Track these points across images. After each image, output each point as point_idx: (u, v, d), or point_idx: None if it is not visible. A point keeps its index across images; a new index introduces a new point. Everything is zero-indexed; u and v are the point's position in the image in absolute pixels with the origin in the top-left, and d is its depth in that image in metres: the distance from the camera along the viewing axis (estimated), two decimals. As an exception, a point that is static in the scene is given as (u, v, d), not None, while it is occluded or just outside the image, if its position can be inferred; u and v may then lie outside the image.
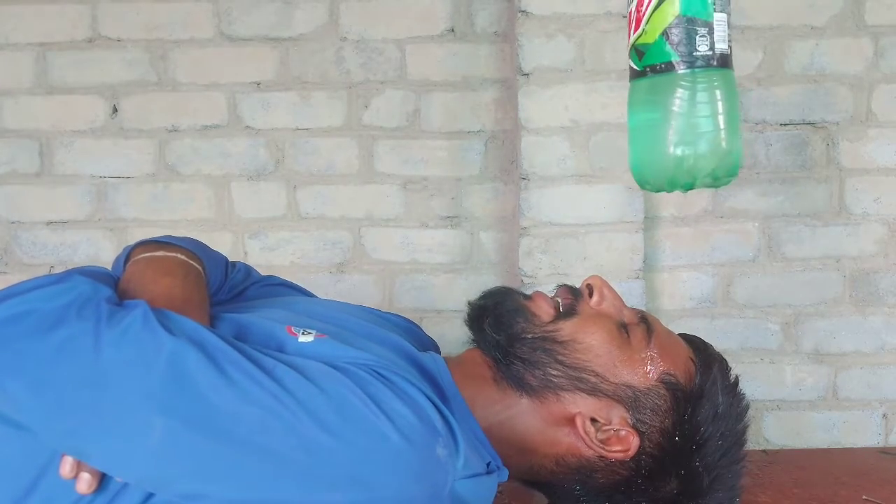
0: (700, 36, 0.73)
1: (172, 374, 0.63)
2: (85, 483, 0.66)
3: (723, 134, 0.74)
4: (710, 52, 0.73)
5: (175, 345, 0.64)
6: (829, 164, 1.67)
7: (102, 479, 0.67)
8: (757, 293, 1.67)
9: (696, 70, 0.74)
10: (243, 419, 0.63)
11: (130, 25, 1.69)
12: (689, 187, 0.77)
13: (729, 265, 1.67)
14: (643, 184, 0.80)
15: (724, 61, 0.75)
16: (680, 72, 0.74)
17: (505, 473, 0.80)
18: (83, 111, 1.70)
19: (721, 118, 0.74)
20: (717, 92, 0.74)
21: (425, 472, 0.67)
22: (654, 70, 0.75)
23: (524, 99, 1.53)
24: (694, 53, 0.73)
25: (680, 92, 0.74)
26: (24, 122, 1.70)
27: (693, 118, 0.74)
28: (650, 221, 1.64)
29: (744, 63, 1.65)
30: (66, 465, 0.66)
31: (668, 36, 0.74)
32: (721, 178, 0.76)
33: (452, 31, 1.69)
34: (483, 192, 1.70)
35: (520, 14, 1.52)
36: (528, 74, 1.52)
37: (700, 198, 1.66)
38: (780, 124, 1.66)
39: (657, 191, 0.79)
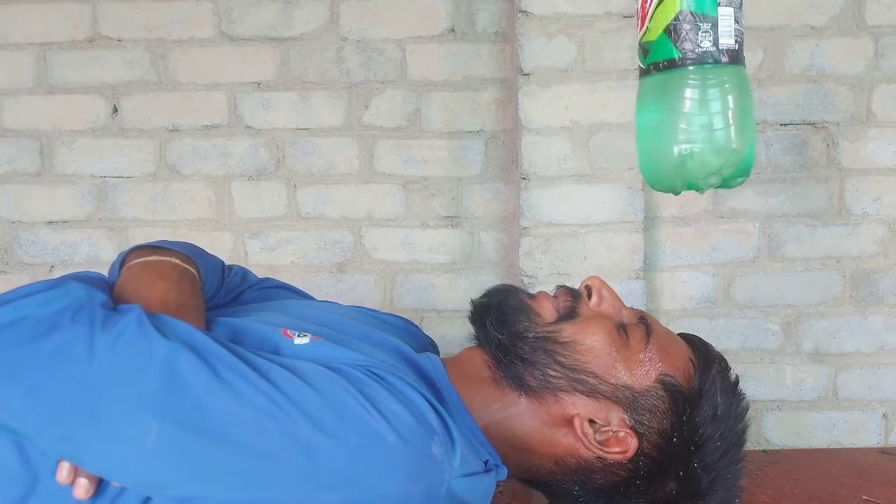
0: (703, 31, 0.71)
1: (167, 377, 0.63)
2: (82, 489, 0.66)
3: (729, 132, 0.72)
4: (714, 48, 0.72)
5: (169, 348, 0.64)
6: (829, 164, 1.66)
7: (100, 485, 0.67)
8: (757, 293, 1.67)
9: (700, 67, 0.72)
10: (239, 421, 0.63)
11: (130, 25, 1.69)
12: (695, 188, 0.75)
13: (729, 265, 1.67)
14: (654, 184, 0.79)
15: (732, 57, 0.73)
16: (682, 69, 0.72)
17: (504, 472, 0.80)
18: (83, 111, 1.70)
19: (725, 116, 0.72)
20: (722, 89, 0.72)
21: (421, 470, 0.67)
22: (658, 68, 0.74)
23: (524, 99, 1.53)
24: (697, 50, 0.72)
25: (682, 89, 0.73)
26: (24, 122, 1.70)
27: (696, 116, 0.72)
28: (650, 221, 1.64)
29: (744, 63, 1.65)
30: (63, 471, 0.66)
31: (670, 32, 0.72)
32: (731, 177, 0.74)
33: (453, 31, 1.69)
34: (483, 192, 1.70)
35: (520, 14, 1.52)
36: (528, 74, 1.52)
37: (700, 198, 1.66)
38: (781, 124, 1.66)
39: (668, 191, 0.78)
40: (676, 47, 0.72)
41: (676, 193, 0.77)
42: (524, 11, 1.51)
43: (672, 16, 0.72)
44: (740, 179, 0.75)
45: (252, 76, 1.69)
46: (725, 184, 0.76)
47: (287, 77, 1.69)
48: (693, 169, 0.73)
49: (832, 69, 1.65)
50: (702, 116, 0.72)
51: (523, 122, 1.53)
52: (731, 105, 0.72)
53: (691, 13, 0.72)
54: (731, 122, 0.72)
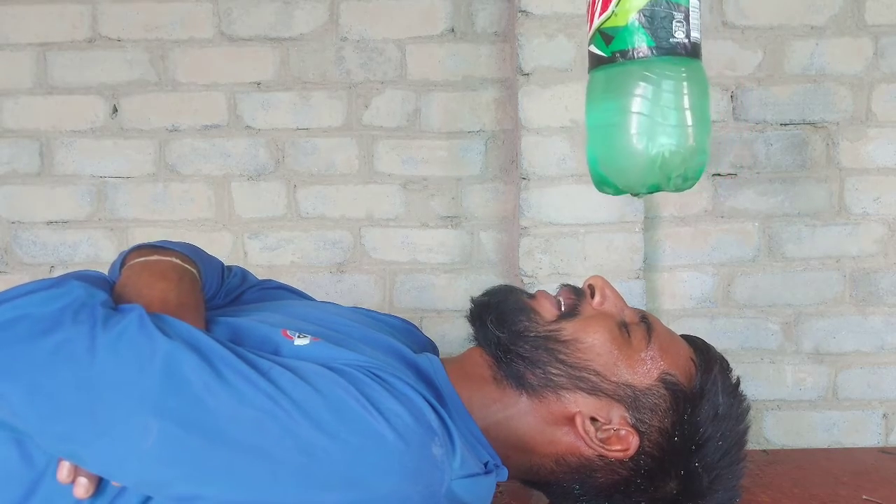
0: (676, 21, 0.66)
1: (168, 376, 0.63)
2: (82, 488, 0.66)
3: (699, 129, 0.68)
4: (686, 40, 0.67)
5: (170, 347, 0.64)
6: (829, 164, 1.67)
7: (100, 484, 0.67)
8: (757, 293, 1.67)
9: (674, 58, 0.66)
10: (239, 420, 0.63)
11: (130, 25, 1.69)
12: (655, 189, 0.70)
13: (729, 265, 1.67)
14: (602, 184, 0.72)
15: (698, 50, 0.68)
16: (657, 58, 0.66)
17: (504, 473, 0.80)
18: (83, 111, 1.70)
19: (698, 112, 0.67)
20: (695, 83, 0.67)
21: (421, 471, 0.67)
22: (626, 56, 0.67)
23: (524, 99, 1.53)
24: (671, 40, 0.66)
25: (659, 81, 0.66)
26: (24, 122, 1.70)
27: (672, 110, 0.67)
28: (650, 221, 1.64)
29: (744, 63, 1.65)
30: (64, 470, 0.66)
31: (643, 18, 0.66)
32: (690, 178, 0.70)
33: (452, 31, 1.69)
34: (483, 192, 1.70)
35: (520, 14, 1.52)
36: (528, 74, 1.52)
37: (700, 198, 1.66)
38: (780, 124, 1.66)
39: (617, 193, 0.72)
40: (650, 35, 0.66)
41: (636, 195, 0.72)
42: (524, 11, 1.51)
43: (646, 1, 0.67)
44: (695, 180, 0.71)
45: (252, 76, 1.69)
46: (683, 185, 0.71)
47: (287, 77, 1.69)
48: (663, 167, 0.68)
49: (832, 69, 1.66)
50: (679, 111, 0.67)
51: (523, 122, 1.53)
52: (699, 101, 0.68)
53: (666, 0, 0.66)
54: (699, 118, 0.68)
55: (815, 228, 1.67)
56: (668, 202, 1.65)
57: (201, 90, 1.70)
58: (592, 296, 0.85)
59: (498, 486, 0.80)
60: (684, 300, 1.67)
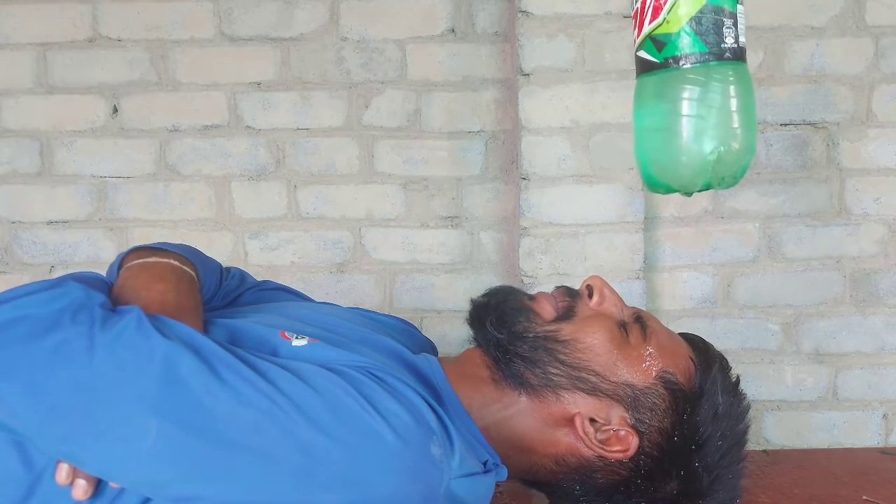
0: (727, 27, 0.70)
1: (167, 377, 0.63)
2: (81, 489, 0.66)
3: (748, 129, 0.71)
4: (736, 45, 0.70)
5: (169, 348, 0.64)
6: (830, 165, 1.66)
7: (98, 485, 0.67)
8: (757, 293, 1.67)
9: (724, 62, 0.70)
10: (238, 421, 0.63)
11: (131, 25, 1.69)
12: (706, 187, 0.74)
13: (729, 265, 1.67)
14: (656, 186, 0.76)
15: (744, 55, 0.72)
16: (709, 63, 0.70)
17: (504, 472, 0.80)
18: (83, 111, 1.70)
19: (747, 113, 0.71)
20: (744, 86, 0.71)
21: (420, 470, 0.67)
22: (678, 62, 0.70)
23: (524, 99, 1.53)
24: (722, 45, 0.70)
25: (712, 85, 0.70)
26: (24, 122, 1.70)
27: (725, 112, 0.70)
28: (650, 221, 1.64)
29: (744, 63, 1.65)
30: (62, 472, 0.66)
31: (695, 25, 0.70)
32: (739, 175, 0.74)
33: (453, 31, 1.69)
34: (483, 192, 1.70)
35: (520, 14, 1.52)
36: (528, 74, 1.52)
37: (700, 198, 1.66)
38: (781, 124, 1.66)
39: (668, 192, 0.76)
40: (703, 41, 0.70)
41: (675, 193, 0.76)
42: (524, 11, 1.51)
43: (698, 8, 0.70)
44: (738, 179, 0.75)
45: (252, 76, 1.69)
46: (732, 182, 0.75)
47: (287, 77, 1.69)
48: (722, 166, 0.71)
49: (832, 69, 1.65)
50: (732, 114, 0.71)
51: (523, 122, 1.53)
52: (750, 101, 0.72)
53: (717, 7, 0.70)
54: (751, 118, 0.72)
55: (815, 229, 1.67)
56: (668, 202, 1.65)
57: (202, 90, 1.70)
58: (590, 296, 0.85)
59: (498, 486, 0.80)
60: (684, 300, 1.67)
